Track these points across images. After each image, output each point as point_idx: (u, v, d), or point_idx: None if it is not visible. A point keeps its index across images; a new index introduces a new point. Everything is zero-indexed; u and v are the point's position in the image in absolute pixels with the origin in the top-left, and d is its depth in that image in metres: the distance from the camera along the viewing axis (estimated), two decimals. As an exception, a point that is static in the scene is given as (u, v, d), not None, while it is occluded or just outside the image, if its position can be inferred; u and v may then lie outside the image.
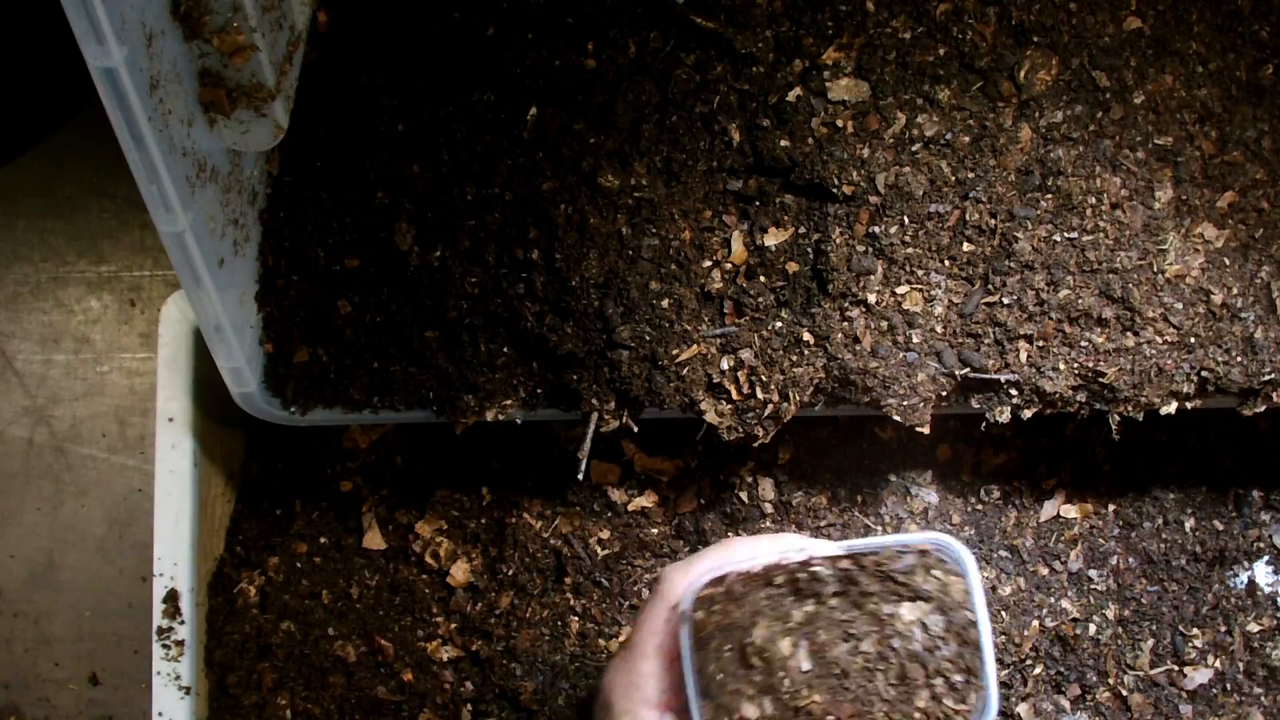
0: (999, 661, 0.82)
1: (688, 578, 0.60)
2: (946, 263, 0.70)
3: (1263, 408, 0.72)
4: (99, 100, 0.54)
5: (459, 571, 0.88)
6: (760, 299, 0.71)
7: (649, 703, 0.59)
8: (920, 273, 0.70)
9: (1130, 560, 0.85)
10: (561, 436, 0.90)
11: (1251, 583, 0.85)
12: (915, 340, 0.70)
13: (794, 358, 0.71)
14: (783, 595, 0.58)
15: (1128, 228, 0.69)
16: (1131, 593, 0.84)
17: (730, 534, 0.87)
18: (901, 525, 0.84)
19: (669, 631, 0.60)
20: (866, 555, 0.58)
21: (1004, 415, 0.72)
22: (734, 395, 0.72)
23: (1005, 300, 0.69)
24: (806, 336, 0.71)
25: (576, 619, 0.87)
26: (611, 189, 0.71)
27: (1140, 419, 0.72)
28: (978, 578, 0.58)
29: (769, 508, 0.86)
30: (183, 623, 0.86)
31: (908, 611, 0.57)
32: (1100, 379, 0.70)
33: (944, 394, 0.71)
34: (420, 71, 0.74)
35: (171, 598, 0.85)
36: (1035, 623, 0.82)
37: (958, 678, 0.57)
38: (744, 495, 0.86)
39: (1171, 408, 0.71)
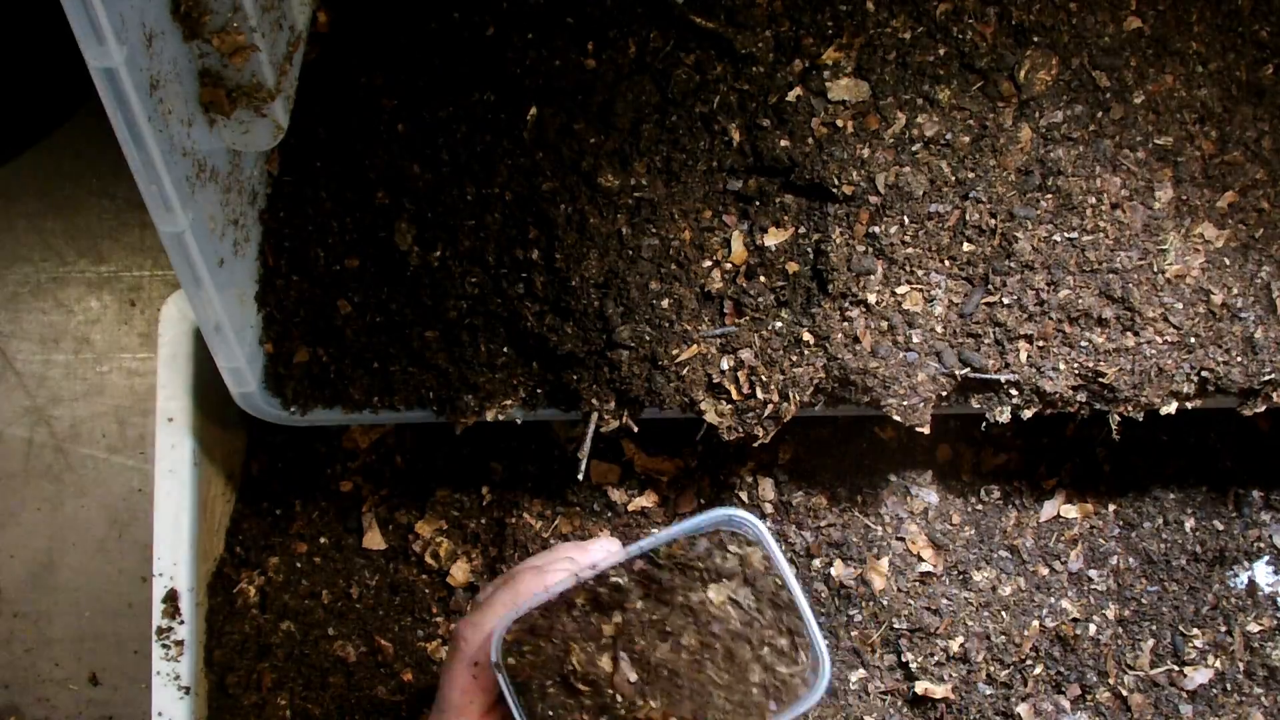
0: (999, 661, 0.82)
1: (481, 629, 0.59)
2: (946, 263, 0.70)
3: (1263, 408, 0.72)
4: (99, 100, 0.54)
5: (459, 571, 0.88)
6: (760, 299, 0.71)
7: None
8: (920, 273, 0.70)
9: (1130, 560, 0.85)
10: (561, 436, 0.90)
11: (1251, 583, 0.85)
12: (915, 340, 0.70)
13: (794, 358, 0.71)
14: (587, 614, 0.58)
15: (1128, 228, 0.69)
16: (1131, 593, 0.84)
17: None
18: (901, 525, 0.84)
19: (478, 687, 0.59)
20: (659, 551, 0.58)
21: (1004, 415, 0.72)
22: (734, 395, 0.72)
23: (1005, 300, 0.69)
24: (806, 336, 0.71)
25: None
26: (611, 189, 0.71)
27: (1140, 419, 0.72)
28: (772, 541, 0.58)
29: (769, 508, 0.86)
30: (182, 623, 0.85)
31: (715, 593, 0.57)
32: (1100, 379, 0.70)
33: (944, 394, 0.71)
34: (420, 71, 0.74)
35: (171, 598, 0.85)
36: (1035, 623, 0.82)
37: (783, 641, 0.58)
38: (744, 495, 0.86)
39: (1171, 408, 0.71)
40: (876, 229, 0.69)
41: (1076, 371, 0.70)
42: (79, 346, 1.10)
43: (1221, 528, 0.86)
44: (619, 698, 0.56)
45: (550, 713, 0.57)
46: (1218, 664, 0.83)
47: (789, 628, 0.58)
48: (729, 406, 0.72)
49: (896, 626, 0.81)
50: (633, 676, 0.57)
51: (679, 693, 0.56)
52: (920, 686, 0.81)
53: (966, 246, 0.70)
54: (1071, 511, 0.86)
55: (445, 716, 0.60)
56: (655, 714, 0.56)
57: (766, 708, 0.57)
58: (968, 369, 0.70)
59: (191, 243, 0.64)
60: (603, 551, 0.61)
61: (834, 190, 0.70)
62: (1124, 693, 0.82)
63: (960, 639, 0.81)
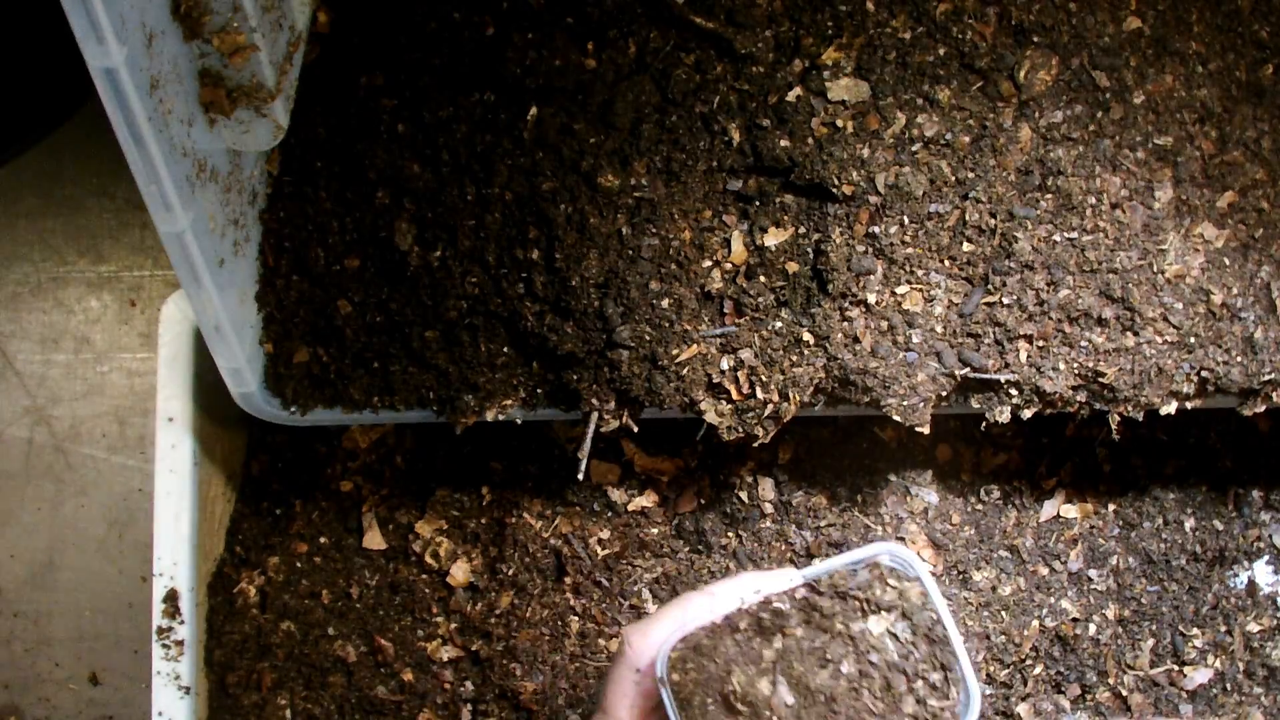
0: (999, 661, 0.82)
1: (648, 639, 0.61)
2: (946, 263, 0.70)
3: (1263, 408, 0.72)
4: (99, 100, 0.54)
5: (459, 571, 0.88)
6: (760, 299, 0.71)
7: None
8: (920, 273, 0.70)
9: (1130, 560, 0.85)
10: (561, 436, 0.90)
11: (1251, 583, 0.85)
12: (915, 340, 0.70)
13: (794, 358, 0.71)
14: (750, 638, 0.60)
15: (1128, 228, 0.69)
16: (1131, 593, 0.84)
17: (730, 534, 0.87)
18: (901, 525, 0.84)
19: (639, 693, 0.61)
20: (821, 580, 0.60)
21: (1004, 415, 0.72)
22: (734, 395, 0.72)
23: (1005, 300, 0.69)
24: (806, 336, 0.71)
25: (576, 619, 0.87)
26: (611, 189, 0.71)
27: (1140, 419, 0.72)
28: (930, 578, 0.60)
29: (769, 508, 0.86)
30: (183, 623, 0.86)
31: (875, 624, 0.59)
32: (1100, 379, 0.70)
33: (944, 394, 0.71)
34: (420, 71, 0.74)
35: (171, 598, 0.85)
36: (1035, 623, 0.82)
37: (936, 676, 0.59)
38: (744, 495, 0.86)
39: (1171, 408, 0.71)
40: (876, 229, 0.69)
41: (1076, 371, 0.70)
42: (79, 346, 1.10)
43: (1221, 528, 0.86)
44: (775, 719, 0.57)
45: None
46: (1218, 664, 0.83)
47: (943, 663, 0.59)
48: (729, 406, 0.72)
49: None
50: (790, 700, 0.58)
51: (834, 717, 0.58)
52: (920, 686, 0.81)
53: (966, 246, 0.70)
54: (1071, 511, 0.86)
55: (604, 716, 0.62)
56: None
57: None
58: (968, 369, 0.70)
59: (191, 243, 0.64)
60: (778, 577, 0.62)
61: (834, 190, 0.70)
62: (1124, 693, 0.82)
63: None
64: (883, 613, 0.59)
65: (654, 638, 0.61)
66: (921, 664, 0.59)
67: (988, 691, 0.82)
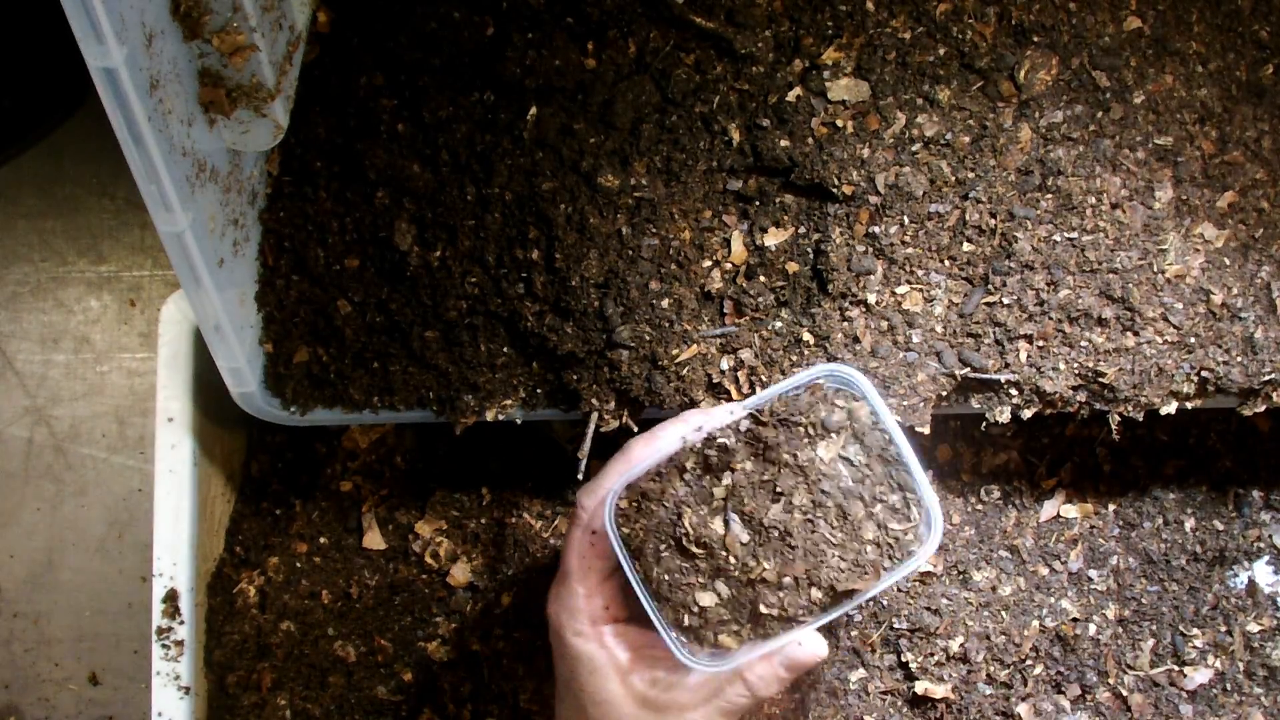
0: (999, 661, 0.82)
1: (597, 498, 0.61)
2: (946, 263, 0.70)
3: (1263, 408, 0.72)
4: (99, 100, 0.54)
5: (459, 571, 0.88)
6: (760, 299, 0.71)
7: (593, 620, 0.62)
8: (920, 273, 0.70)
9: (1130, 560, 0.85)
10: (561, 436, 0.90)
11: (1251, 583, 0.85)
12: (915, 340, 0.70)
13: (794, 358, 0.71)
14: (698, 477, 0.58)
15: (1128, 228, 0.69)
16: (1131, 593, 0.84)
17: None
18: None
19: (595, 554, 0.61)
20: (764, 409, 0.57)
21: (1004, 415, 0.72)
22: (734, 395, 0.72)
23: (1005, 300, 0.69)
24: (806, 336, 0.71)
25: (576, 619, 0.87)
26: (611, 189, 0.71)
27: (1140, 419, 0.72)
28: (876, 395, 0.57)
29: (769, 508, 0.86)
30: (182, 623, 0.85)
31: (825, 450, 0.56)
32: (1100, 379, 0.70)
33: (944, 394, 0.71)
34: (420, 71, 0.74)
35: (171, 598, 0.85)
36: (1035, 623, 0.82)
37: (894, 498, 0.56)
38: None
39: (1171, 408, 0.71)
40: (876, 229, 0.69)
41: (1076, 371, 0.70)
42: (79, 346, 1.10)
43: (1221, 528, 0.86)
44: (732, 560, 0.56)
45: (665, 577, 0.57)
46: (1218, 664, 0.83)
47: (899, 483, 0.57)
48: (729, 406, 0.72)
49: (896, 626, 0.81)
50: (745, 538, 0.56)
51: (792, 553, 0.55)
52: (920, 686, 0.81)
53: (966, 246, 0.70)
54: (1071, 511, 0.86)
55: (565, 583, 0.62)
56: (769, 575, 0.56)
57: (880, 565, 0.57)
58: (968, 369, 0.70)
59: (191, 243, 0.64)
60: (719, 412, 0.61)
61: (834, 190, 0.70)
62: (1124, 693, 0.82)
63: (960, 639, 0.81)
64: (832, 436, 0.56)
65: (601, 495, 0.60)
66: (878, 486, 0.56)
67: (987, 692, 0.82)
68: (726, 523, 0.56)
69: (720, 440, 0.58)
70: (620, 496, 0.58)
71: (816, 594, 0.56)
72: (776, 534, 0.56)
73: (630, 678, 0.61)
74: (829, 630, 0.83)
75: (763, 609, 0.56)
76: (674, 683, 0.61)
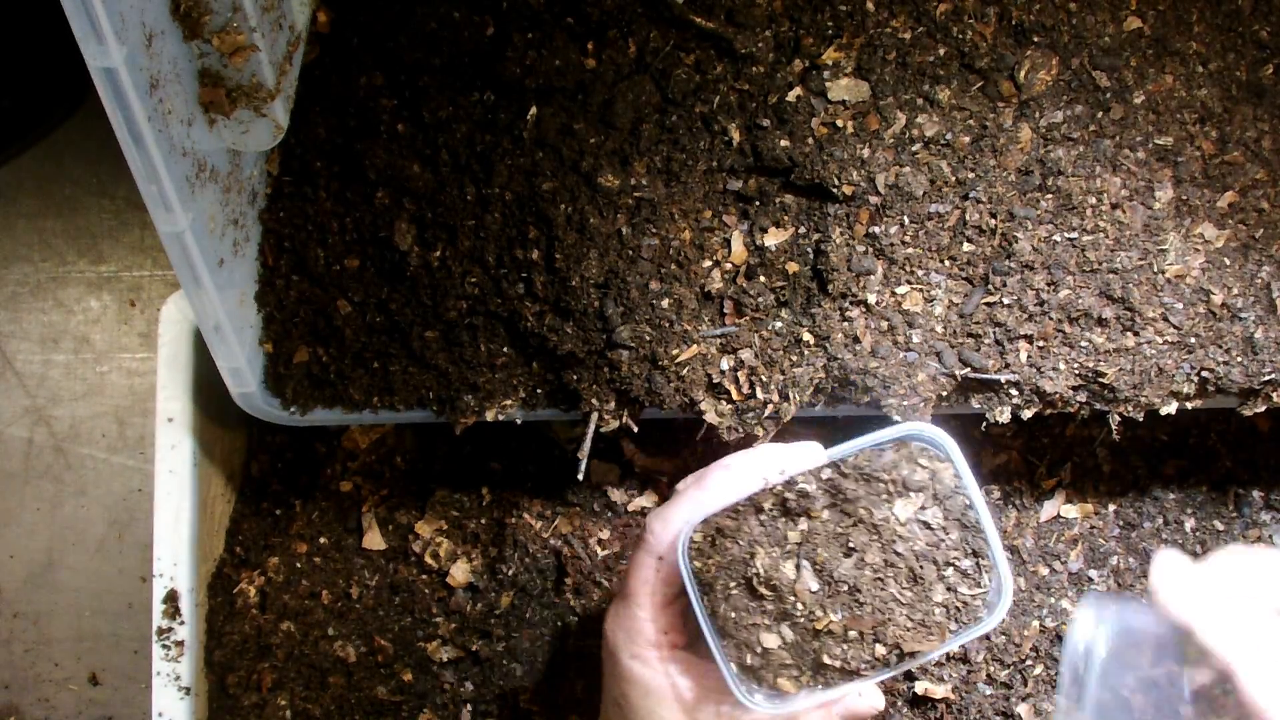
0: (999, 661, 0.82)
1: (669, 524, 0.60)
2: (946, 263, 0.70)
3: (1263, 408, 0.72)
4: (99, 100, 0.54)
5: (459, 571, 0.88)
6: (760, 299, 0.71)
7: (651, 644, 0.61)
8: (920, 273, 0.70)
9: (1130, 560, 0.85)
10: (561, 436, 0.90)
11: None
12: (915, 340, 0.70)
13: (794, 358, 0.71)
14: (774, 519, 0.58)
15: (1128, 228, 0.69)
16: (1132, 593, 0.84)
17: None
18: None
19: (660, 580, 0.61)
20: (847, 459, 0.58)
21: (1004, 415, 0.72)
22: (734, 395, 0.72)
23: (1005, 300, 0.69)
24: (806, 336, 0.71)
25: (576, 619, 0.87)
26: (611, 189, 0.71)
27: (1140, 419, 0.72)
28: (962, 459, 0.57)
29: (769, 508, 0.86)
30: (183, 623, 0.85)
31: (901, 509, 0.56)
32: (1100, 379, 0.70)
33: (944, 394, 0.71)
34: (420, 71, 0.74)
35: (171, 598, 0.85)
36: (1035, 623, 0.82)
37: (967, 563, 0.56)
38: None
39: (1171, 408, 0.71)
40: (876, 229, 0.69)
41: (1076, 371, 0.70)
42: (79, 346, 1.10)
43: (1221, 528, 0.86)
44: (800, 605, 0.56)
45: (732, 614, 0.57)
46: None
47: (974, 549, 0.57)
48: (729, 406, 0.72)
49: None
50: (814, 586, 0.56)
51: (860, 608, 0.56)
52: (920, 686, 0.81)
53: (966, 246, 0.70)
54: (1071, 511, 0.86)
55: (627, 605, 0.62)
56: (835, 626, 0.56)
57: (947, 628, 0.57)
58: (968, 369, 0.70)
59: (191, 243, 0.64)
60: (802, 453, 0.60)
61: (834, 190, 0.70)
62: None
63: (960, 639, 0.81)
64: (911, 495, 0.56)
65: (674, 522, 0.60)
66: (952, 550, 0.56)
67: (987, 692, 0.82)
68: (798, 568, 0.57)
69: (801, 486, 0.58)
70: (695, 530, 0.59)
71: (880, 650, 0.56)
72: (846, 587, 0.56)
73: (690, 709, 0.61)
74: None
75: (825, 659, 0.56)
76: (732, 718, 0.61)
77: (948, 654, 0.81)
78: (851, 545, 0.56)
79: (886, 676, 0.58)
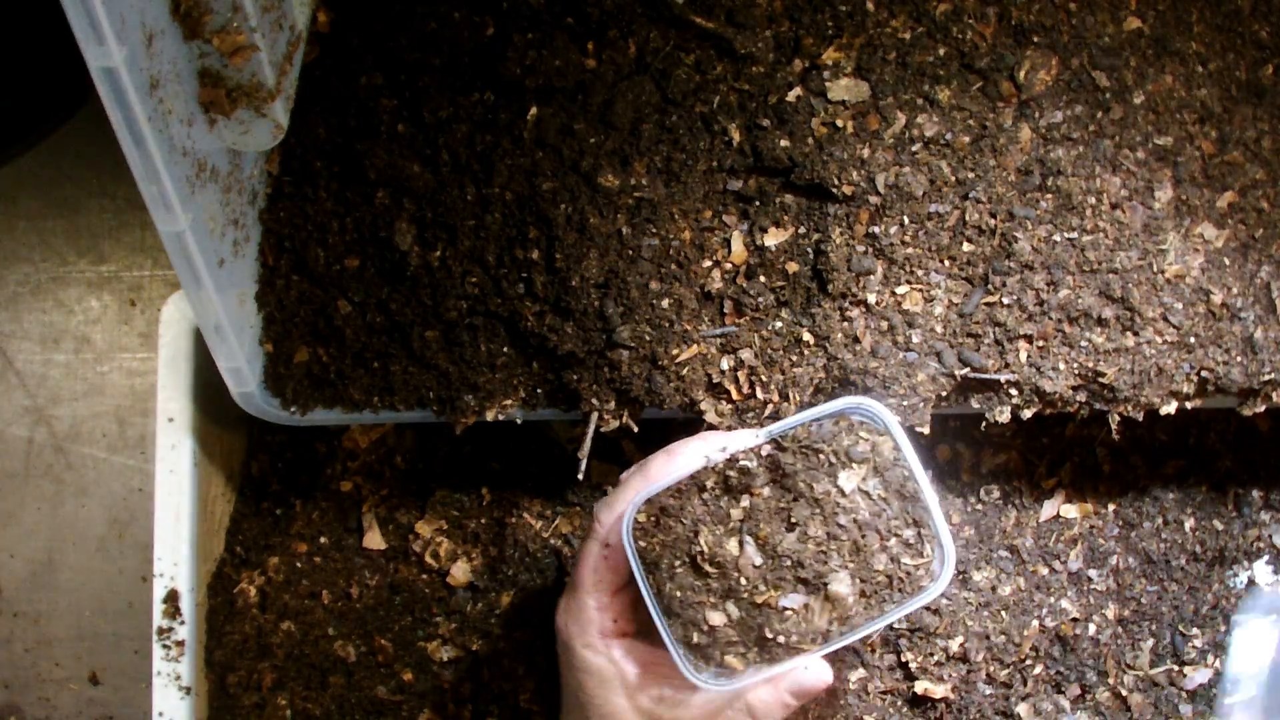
0: (999, 661, 0.82)
1: (614, 511, 0.61)
2: (946, 263, 0.70)
3: (1263, 408, 0.72)
4: (99, 100, 0.54)
5: (459, 571, 0.88)
6: (760, 299, 0.71)
7: (603, 633, 0.62)
8: (920, 273, 0.70)
9: (1130, 560, 0.85)
10: (561, 436, 0.90)
11: (1251, 583, 0.85)
12: (915, 340, 0.70)
13: (794, 358, 0.71)
14: (717, 497, 0.58)
15: (1128, 228, 0.69)
16: (1131, 593, 0.84)
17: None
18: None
19: (608, 567, 0.61)
20: (786, 435, 0.58)
21: (1004, 415, 0.72)
22: (734, 395, 0.72)
23: (1005, 300, 0.69)
24: (806, 336, 0.71)
25: (576, 619, 0.87)
26: (611, 189, 0.71)
27: (1140, 419, 0.72)
28: (900, 431, 0.58)
29: (769, 508, 0.85)
30: (183, 623, 0.86)
31: (845, 481, 0.57)
32: (1100, 379, 0.70)
33: (944, 394, 0.71)
34: (420, 71, 0.74)
35: (171, 598, 0.85)
36: (1035, 623, 0.82)
37: (909, 533, 0.57)
38: (744, 495, 0.86)
39: (1171, 408, 0.71)
40: (876, 229, 0.69)
41: (1076, 371, 0.70)
42: (79, 346, 1.10)
43: (1221, 528, 0.86)
44: (743, 581, 0.56)
45: (677, 593, 0.57)
46: (1218, 664, 0.83)
47: (915, 519, 0.57)
48: (729, 406, 0.72)
49: (896, 626, 0.81)
50: (758, 561, 0.56)
51: (803, 581, 0.56)
52: (920, 686, 0.81)
53: (966, 246, 0.70)
54: (1071, 511, 0.86)
55: (576, 595, 0.63)
56: (778, 600, 0.56)
57: (890, 599, 0.57)
58: (968, 369, 0.70)
59: (191, 243, 0.64)
60: (743, 437, 0.61)
61: (834, 190, 0.70)
62: (1124, 693, 0.82)
63: (960, 639, 0.81)
64: (853, 467, 0.57)
65: (618, 509, 0.61)
66: (894, 520, 0.57)
67: (987, 692, 0.82)
68: (741, 544, 0.57)
69: (742, 463, 0.58)
70: (639, 510, 0.59)
71: (824, 623, 0.57)
72: (789, 561, 0.56)
73: (637, 693, 0.62)
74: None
75: (769, 634, 0.57)
76: (679, 700, 0.61)
77: (947, 654, 0.81)
78: (794, 519, 0.57)
79: (832, 649, 0.58)
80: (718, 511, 0.58)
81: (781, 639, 0.57)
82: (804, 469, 0.57)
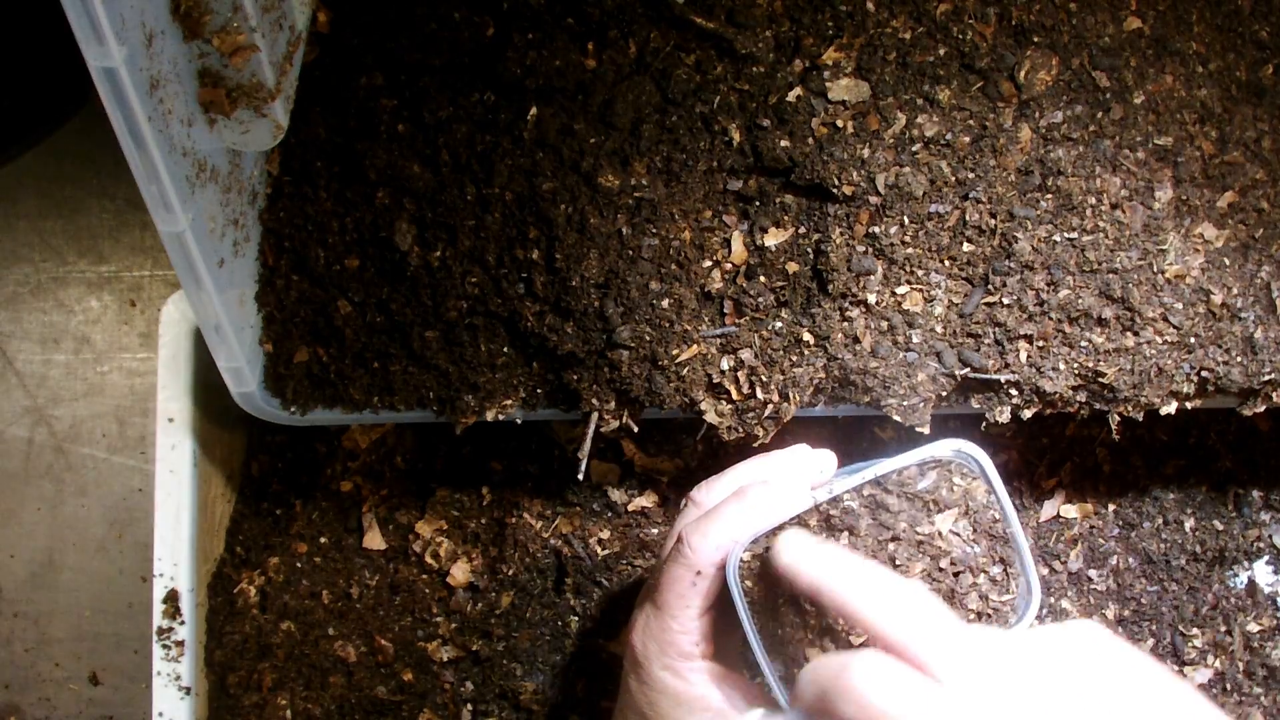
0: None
1: (707, 539, 0.61)
2: (946, 263, 0.70)
3: (1263, 408, 0.72)
4: (99, 100, 0.54)
5: (459, 571, 0.88)
6: (760, 299, 0.71)
7: (683, 656, 0.62)
8: (920, 273, 0.70)
9: (1130, 560, 0.85)
10: (561, 436, 0.90)
11: (1251, 583, 0.85)
12: (915, 340, 0.70)
13: (794, 358, 0.71)
14: (817, 534, 0.59)
15: (1128, 228, 0.69)
16: (1131, 593, 0.84)
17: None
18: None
19: (698, 594, 0.62)
20: (890, 478, 0.59)
21: (1004, 415, 0.72)
22: (734, 395, 0.72)
23: (1005, 300, 0.69)
24: (806, 336, 0.71)
25: (576, 619, 0.87)
26: (611, 189, 0.71)
27: (1140, 419, 0.72)
28: (995, 474, 0.59)
29: (769, 508, 0.85)
30: (183, 623, 0.86)
31: (943, 523, 0.59)
32: (1100, 379, 0.70)
33: (944, 394, 0.71)
34: (420, 71, 0.74)
35: (171, 598, 0.85)
36: (1035, 623, 0.82)
37: (995, 570, 0.59)
38: (744, 495, 0.86)
39: (1171, 408, 0.71)
40: (876, 229, 0.69)
41: (1076, 371, 0.70)
42: (79, 346, 1.10)
43: (1221, 528, 0.86)
44: (841, 621, 0.57)
45: (779, 631, 0.58)
46: (1218, 664, 0.83)
47: (1001, 558, 0.59)
48: (729, 406, 0.72)
49: (896, 626, 0.81)
50: None
51: None
52: (920, 686, 0.81)
53: (966, 246, 0.70)
54: (1071, 511, 0.86)
55: (659, 617, 0.63)
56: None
57: None
58: (968, 369, 0.70)
59: (191, 243, 0.64)
60: (825, 460, 0.63)
61: (834, 190, 0.70)
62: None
63: (960, 639, 0.81)
64: (947, 511, 0.58)
65: (713, 538, 0.61)
66: (982, 559, 0.58)
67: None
68: None
69: (847, 503, 0.60)
70: (745, 549, 0.60)
71: None
72: None
73: (721, 716, 0.62)
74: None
75: None
76: None
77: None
78: (895, 560, 0.58)
79: None
80: None
81: None
82: (906, 511, 0.59)
